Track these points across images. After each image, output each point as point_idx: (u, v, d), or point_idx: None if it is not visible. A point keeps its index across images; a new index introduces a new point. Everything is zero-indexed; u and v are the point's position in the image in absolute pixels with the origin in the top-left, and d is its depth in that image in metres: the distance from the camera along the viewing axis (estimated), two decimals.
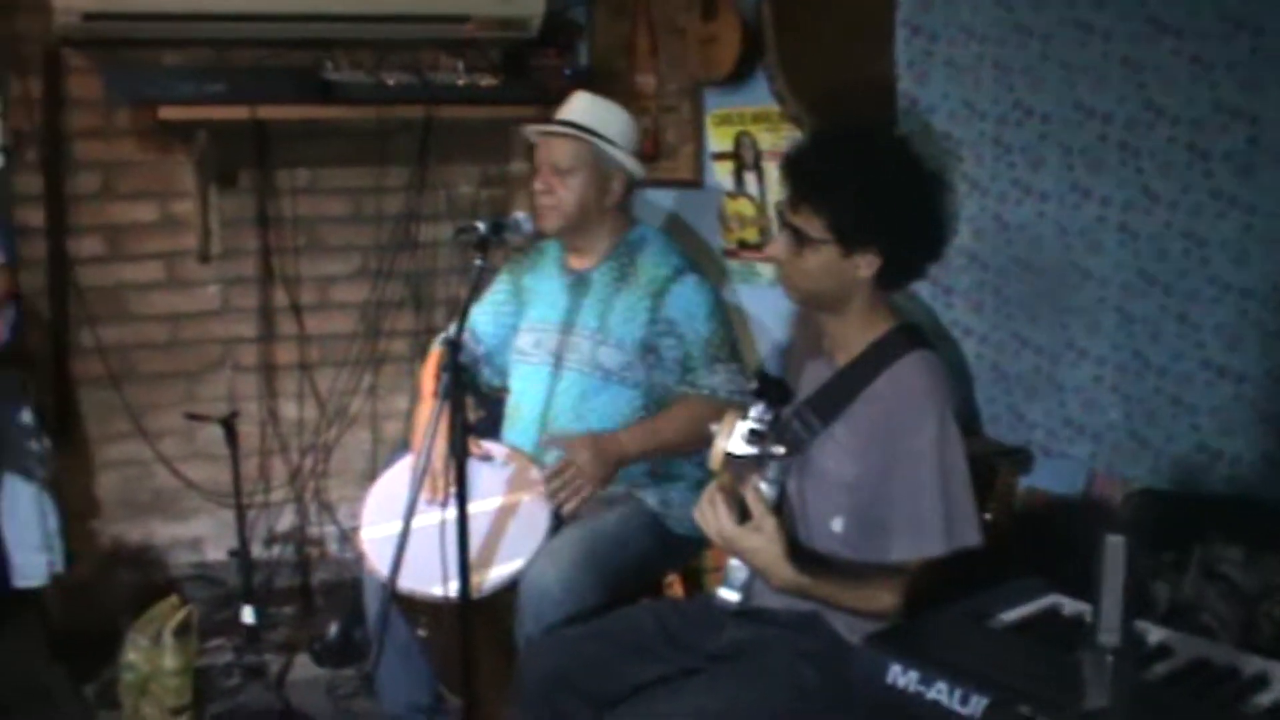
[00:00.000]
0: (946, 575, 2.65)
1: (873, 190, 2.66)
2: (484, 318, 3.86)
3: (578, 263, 3.74)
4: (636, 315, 3.58)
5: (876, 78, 3.42)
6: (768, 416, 2.63)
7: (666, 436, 3.51)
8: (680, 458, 3.57)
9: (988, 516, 2.86)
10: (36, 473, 4.22)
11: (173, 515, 5.10)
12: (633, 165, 3.66)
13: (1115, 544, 1.80)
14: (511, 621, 3.27)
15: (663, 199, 4.65)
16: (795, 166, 2.77)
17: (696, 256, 3.83)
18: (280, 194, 5.06)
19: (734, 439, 2.63)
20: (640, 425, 3.57)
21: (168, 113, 4.58)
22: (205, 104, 4.57)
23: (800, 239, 2.71)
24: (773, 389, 2.68)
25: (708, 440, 2.66)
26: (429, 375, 3.73)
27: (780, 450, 2.66)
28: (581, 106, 3.71)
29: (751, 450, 2.62)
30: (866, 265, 2.69)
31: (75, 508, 4.64)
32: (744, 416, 2.64)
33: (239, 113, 4.63)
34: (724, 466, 2.65)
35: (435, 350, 3.77)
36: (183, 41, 4.81)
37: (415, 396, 5.00)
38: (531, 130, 3.78)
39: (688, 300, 3.56)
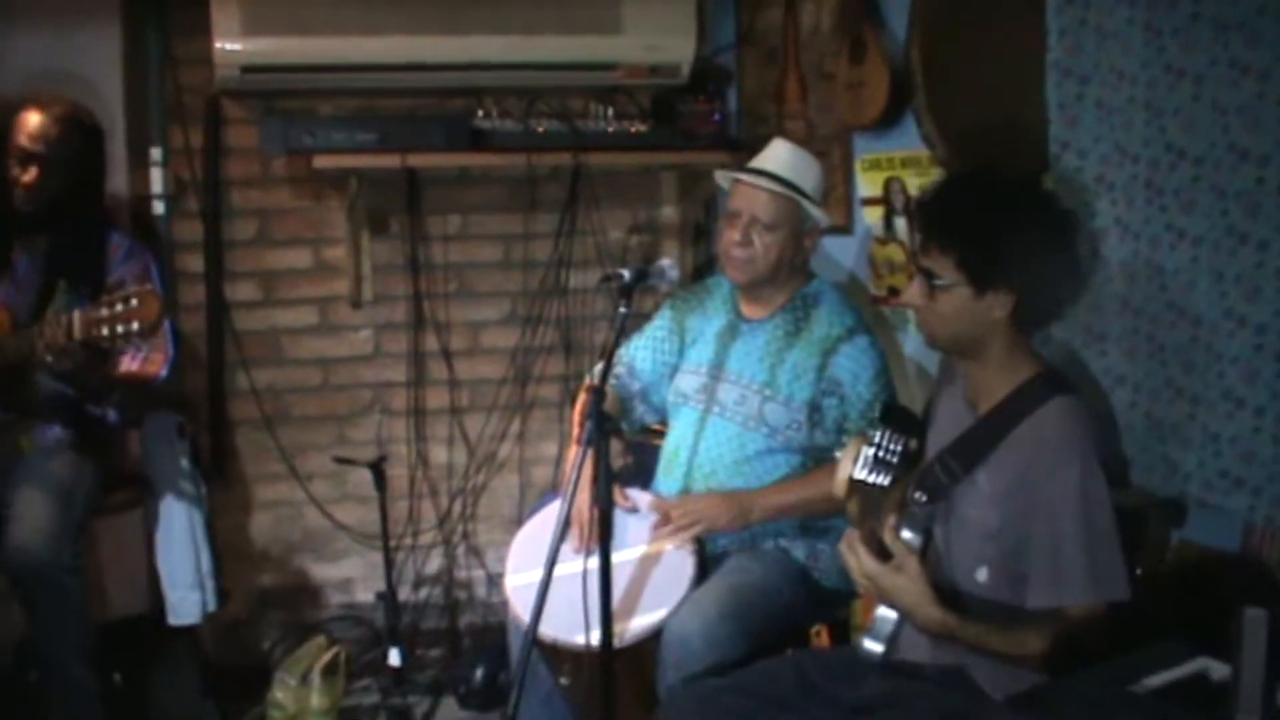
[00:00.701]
0: (1101, 632, 2.58)
1: (999, 225, 2.64)
2: (642, 353, 3.83)
3: (751, 311, 3.68)
4: (806, 373, 3.51)
5: (1027, 121, 3.36)
6: (895, 446, 2.60)
7: (803, 494, 3.45)
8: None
9: (1137, 571, 2.77)
10: (192, 512, 4.31)
11: (323, 556, 5.18)
12: (826, 220, 3.63)
13: (1255, 618, 1.73)
14: (653, 672, 3.24)
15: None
16: (924, 208, 2.78)
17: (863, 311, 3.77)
18: (431, 240, 5.12)
19: (857, 465, 2.61)
20: (777, 485, 3.52)
21: (321, 161, 4.68)
22: (358, 153, 4.67)
23: (932, 281, 2.68)
24: (896, 416, 2.65)
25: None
26: (576, 419, 3.73)
27: (922, 498, 2.62)
28: (783, 158, 3.64)
29: (875, 477, 2.59)
30: (1000, 305, 2.66)
31: (229, 547, 4.72)
32: (869, 443, 2.61)
33: (391, 160, 4.71)
34: (849, 493, 2.62)
35: (584, 394, 3.77)
36: (337, 92, 4.92)
37: (564, 441, 5.06)
38: (726, 176, 3.72)
39: (856, 361, 3.50)
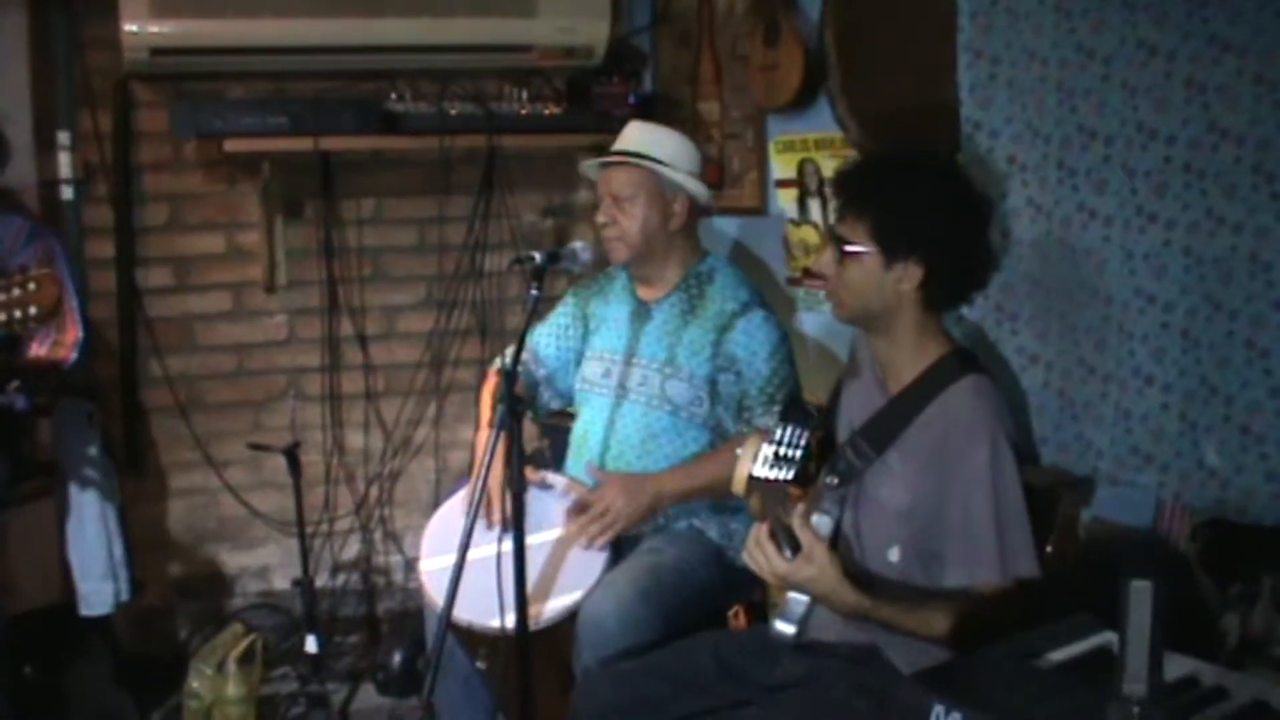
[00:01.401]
0: (1013, 609, 2.60)
1: (914, 199, 2.68)
2: (546, 339, 3.84)
3: (647, 293, 3.70)
4: (703, 349, 3.53)
5: (940, 102, 3.39)
6: (797, 440, 2.61)
7: (709, 476, 3.41)
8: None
9: (1048, 548, 2.80)
10: (104, 502, 4.26)
11: (239, 544, 5.14)
12: (695, 187, 3.62)
13: (1140, 589, 1.74)
14: (570, 653, 3.25)
15: (728, 227, 4.63)
16: (844, 178, 2.82)
17: (763, 286, 3.79)
18: (345, 224, 5.10)
19: (757, 463, 2.62)
20: (681, 466, 3.52)
21: (233, 145, 4.64)
22: (270, 136, 4.64)
23: (844, 249, 2.71)
24: (794, 411, 2.66)
25: None
26: (486, 402, 3.74)
27: (834, 481, 2.63)
28: (635, 135, 3.69)
29: (775, 473, 2.60)
30: (909, 278, 2.69)
31: (143, 536, 4.67)
32: (769, 440, 2.62)
33: (303, 144, 4.68)
34: (748, 490, 2.63)
35: (492, 377, 3.76)
36: (247, 75, 4.88)
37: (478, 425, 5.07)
38: (589, 165, 3.78)
39: (751, 337, 3.50)
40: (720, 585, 3.51)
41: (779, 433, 2.62)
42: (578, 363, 3.80)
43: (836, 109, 3.84)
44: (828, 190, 4.09)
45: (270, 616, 5.02)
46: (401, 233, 5.18)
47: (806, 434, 2.63)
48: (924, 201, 2.68)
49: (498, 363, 3.82)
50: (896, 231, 2.67)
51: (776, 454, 2.61)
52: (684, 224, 3.63)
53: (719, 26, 4.62)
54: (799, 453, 2.61)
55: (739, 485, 2.65)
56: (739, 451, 2.65)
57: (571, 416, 3.82)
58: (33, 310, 3.27)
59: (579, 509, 3.43)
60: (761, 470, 2.61)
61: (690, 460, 3.53)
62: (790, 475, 2.61)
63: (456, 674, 3.46)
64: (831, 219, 2.86)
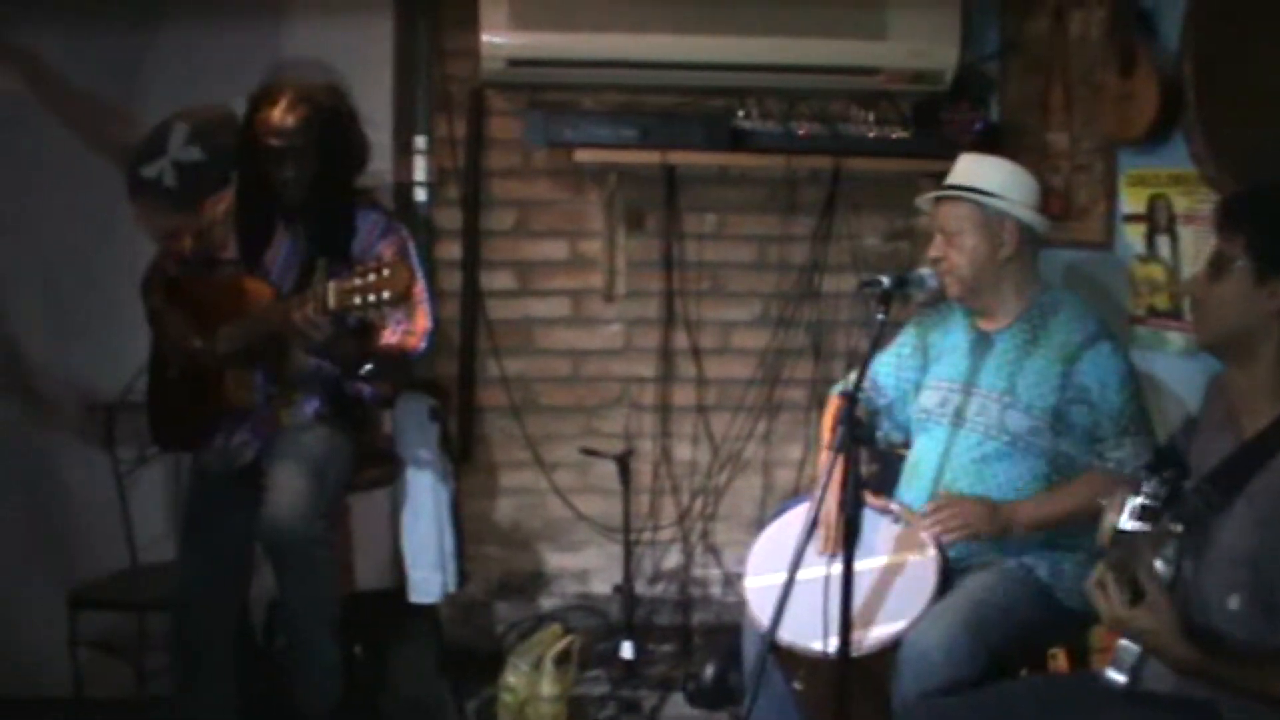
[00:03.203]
0: None
1: None
2: (886, 370, 3.81)
3: (987, 324, 3.64)
4: (1047, 380, 3.45)
5: None
6: (1161, 492, 2.52)
7: (1063, 509, 3.38)
8: (1076, 528, 3.42)
9: None
10: (439, 494, 4.40)
11: (562, 545, 5.23)
12: (1028, 216, 3.55)
13: None
14: (889, 683, 3.19)
15: (1070, 260, 4.50)
16: (1226, 199, 2.79)
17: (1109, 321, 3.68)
18: (686, 238, 5.13)
19: (1124, 515, 2.54)
20: (1037, 497, 3.45)
21: (583, 155, 4.77)
22: (619, 148, 4.75)
23: (1218, 263, 2.63)
24: (1166, 464, 2.59)
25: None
26: (828, 425, 3.75)
27: (1178, 528, 2.53)
28: (963, 168, 3.65)
29: (1142, 527, 2.51)
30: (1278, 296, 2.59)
31: (470, 530, 4.80)
32: (1136, 492, 2.54)
33: (650, 157, 4.77)
34: (1113, 543, 2.55)
35: (834, 400, 3.75)
36: (599, 87, 4.98)
37: (810, 445, 5.08)
38: (920, 201, 3.75)
39: (1102, 368, 3.42)
40: (1045, 626, 3.43)
41: (1146, 485, 2.55)
42: (916, 393, 3.76)
43: (1193, 144, 3.68)
44: (1178, 228, 3.93)
45: (586, 619, 5.10)
46: (741, 249, 5.19)
47: (1173, 485, 2.55)
48: None
49: (840, 386, 3.80)
50: (1272, 245, 2.57)
51: (1144, 507, 2.54)
52: (1015, 252, 3.56)
53: (1071, 54, 4.48)
54: (1163, 504, 2.53)
55: (1104, 538, 2.59)
56: (1104, 503, 2.58)
57: (907, 446, 3.79)
58: (386, 295, 3.42)
59: (934, 507, 3.40)
60: (1129, 523, 2.54)
61: (1043, 494, 3.45)
62: (1153, 526, 2.54)
63: (772, 693, 3.44)
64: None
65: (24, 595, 4.65)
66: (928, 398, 3.69)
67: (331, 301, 3.47)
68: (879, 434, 3.83)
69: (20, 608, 4.66)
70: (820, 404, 4.90)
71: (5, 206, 4.66)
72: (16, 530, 4.71)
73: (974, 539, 3.39)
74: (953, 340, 3.70)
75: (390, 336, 3.80)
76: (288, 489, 3.72)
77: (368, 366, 3.78)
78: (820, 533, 3.38)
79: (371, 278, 3.43)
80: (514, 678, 4.42)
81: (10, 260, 4.68)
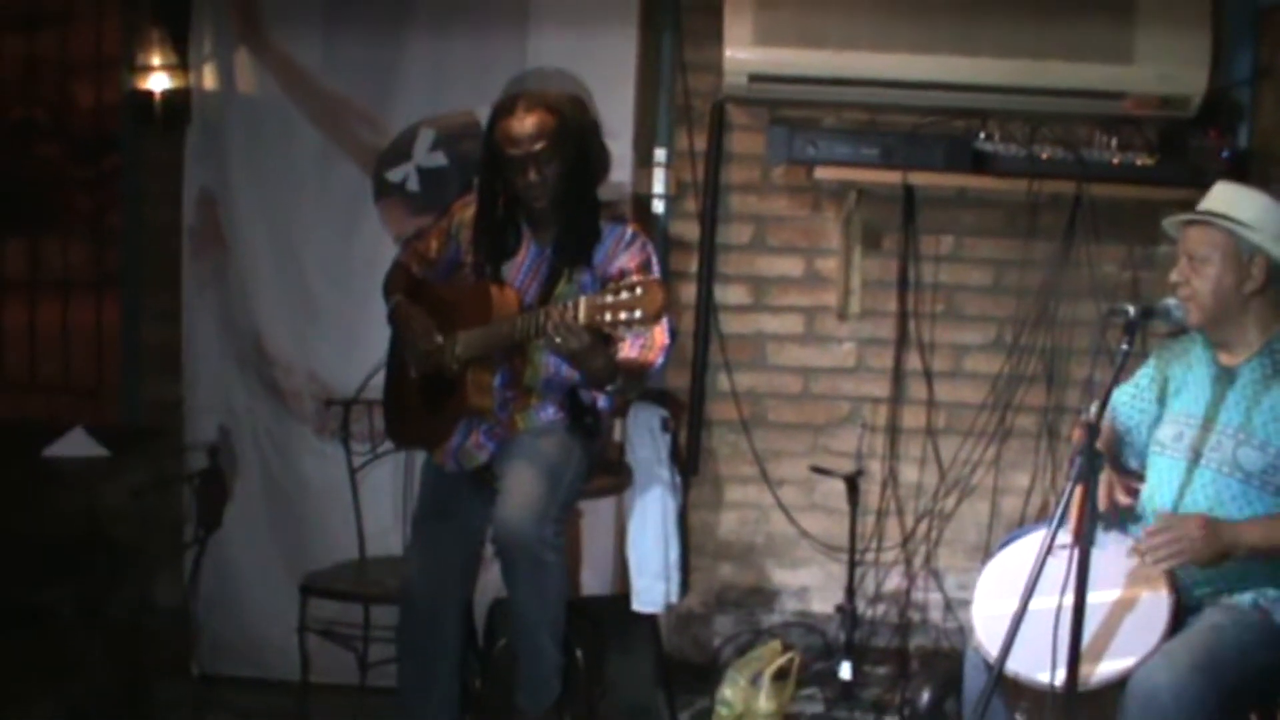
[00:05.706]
0: None
1: None
2: (1125, 399, 3.74)
3: (1227, 358, 3.55)
4: None
5: None
6: None
7: None
8: None
9: None
10: (667, 505, 4.44)
11: (783, 562, 5.23)
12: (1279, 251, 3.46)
13: None
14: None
15: None
16: None
17: None
18: (923, 259, 5.10)
19: None
20: (1262, 519, 3.34)
21: (823, 173, 4.78)
22: (859, 167, 4.74)
23: None
24: None
25: None
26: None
27: None
28: (1219, 194, 3.55)
29: None
30: None
31: (693, 542, 4.85)
32: None
33: (890, 177, 4.76)
34: None
35: (1079, 429, 3.69)
36: (840, 105, 4.97)
37: (1039, 473, 5.06)
38: (1169, 223, 3.65)
39: None
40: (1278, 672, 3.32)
41: None
42: (1151, 425, 3.68)
43: None
44: None
45: (805, 636, 5.10)
46: (978, 272, 5.14)
47: None
48: None
49: (1084, 415, 3.75)
50: None
51: None
52: (1261, 288, 3.46)
53: None
54: None
55: None
56: None
57: (1140, 478, 3.70)
58: (638, 314, 3.39)
59: (1153, 531, 3.32)
60: None
61: (1273, 516, 3.35)
62: None
63: None
64: None
65: (262, 580, 4.86)
66: (1164, 431, 3.61)
67: (582, 316, 3.47)
68: (1120, 461, 3.74)
69: (258, 591, 4.87)
70: (1050, 432, 4.85)
71: (258, 204, 4.87)
72: (259, 517, 4.93)
73: (1192, 564, 3.29)
74: (1194, 374, 3.62)
75: (629, 350, 3.81)
76: (521, 492, 3.77)
77: (617, 382, 3.79)
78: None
79: (625, 295, 3.40)
80: (730, 691, 4.44)
81: (261, 255, 4.89)
